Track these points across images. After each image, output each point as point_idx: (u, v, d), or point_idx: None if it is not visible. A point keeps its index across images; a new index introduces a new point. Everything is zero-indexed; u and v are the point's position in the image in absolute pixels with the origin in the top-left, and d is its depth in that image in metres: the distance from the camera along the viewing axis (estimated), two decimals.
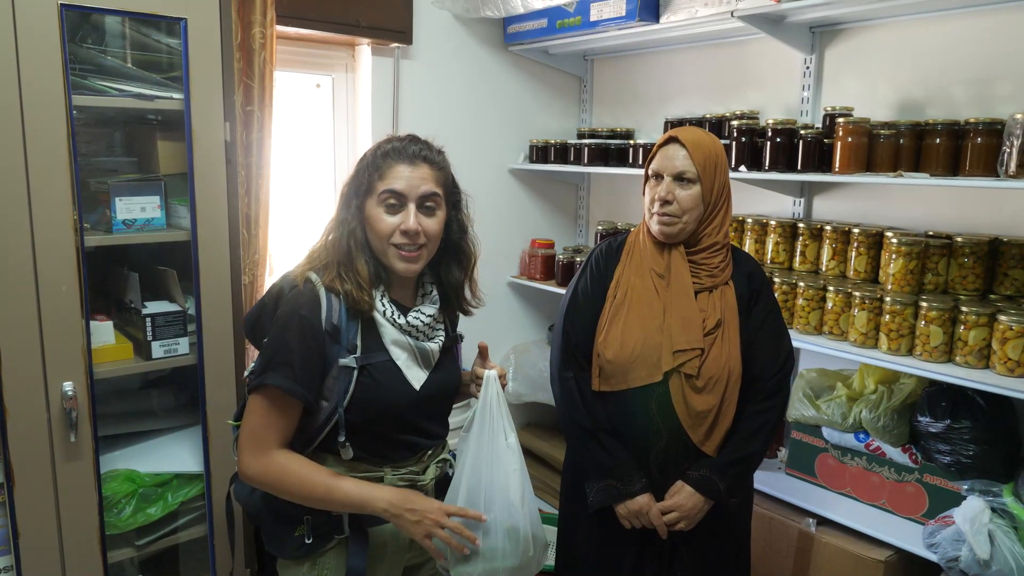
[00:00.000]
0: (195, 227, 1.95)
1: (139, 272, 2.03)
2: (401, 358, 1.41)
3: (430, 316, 1.45)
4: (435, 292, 1.51)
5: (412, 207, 1.35)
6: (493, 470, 1.42)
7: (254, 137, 2.21)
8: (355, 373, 1.35)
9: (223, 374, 2.05)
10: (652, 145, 2.49)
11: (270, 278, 2.35)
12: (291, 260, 2.67)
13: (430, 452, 1.52)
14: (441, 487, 1.51)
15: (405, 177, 1.35)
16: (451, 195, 1.48)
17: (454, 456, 1.53)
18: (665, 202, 1.66)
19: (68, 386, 1.79)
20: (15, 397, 1.74)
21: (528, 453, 3.20)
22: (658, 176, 1.69)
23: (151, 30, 1.99)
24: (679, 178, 1.66)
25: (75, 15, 1.82)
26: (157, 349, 2.00)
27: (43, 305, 1.75)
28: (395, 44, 2.65)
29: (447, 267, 1.53)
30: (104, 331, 1.94)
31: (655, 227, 1.70)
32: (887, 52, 2.31)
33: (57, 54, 1.69)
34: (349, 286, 1.34)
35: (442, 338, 1.50)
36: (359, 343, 1.37)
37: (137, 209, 1.97)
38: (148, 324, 1.97)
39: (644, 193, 1.76)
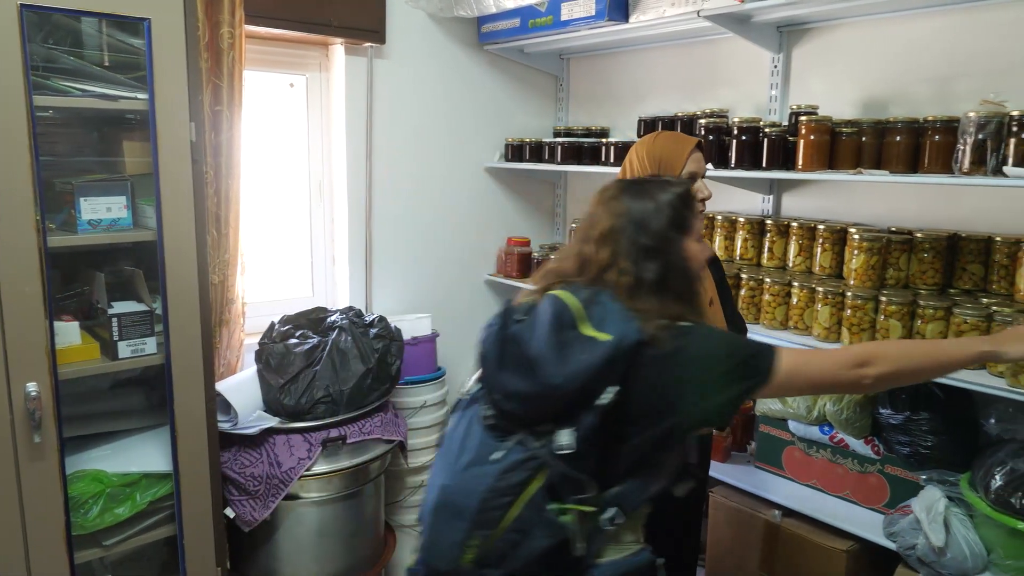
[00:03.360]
0: (161, 227, 1.95)
1: (106, 272, 2.03)
2: None
3: None
4: None
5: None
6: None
7: (223, 137, 2.22)
8: None
9: (191, 374, 2.05)
10: (624, 143, 2.54)
11: (241, 277, 2.36)
12: (265, 258, 2.74)
13: None
14: None
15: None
16: None
17: None
18: (707, 200, 1.85)
19: (32, 387, 1.79)
20: None
21: None
22: (693, 178, 1.83)
23: (115, 30, 1.99)
24: (704, 178, 1.87)
25: (35, 15, 1.81)
26: (124, 349, 1.99)
27: (5, 306, 1.74)
28: (368, 43, 2.66)
29: None
30: (70, 331, 1.93)
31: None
32: (852, 51, 2.34)
33: (17, 54, 1.69)
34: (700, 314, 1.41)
35: None
36: None
37: (103, 209, 1.96)
38: (115, 324, 1.97)
39: None
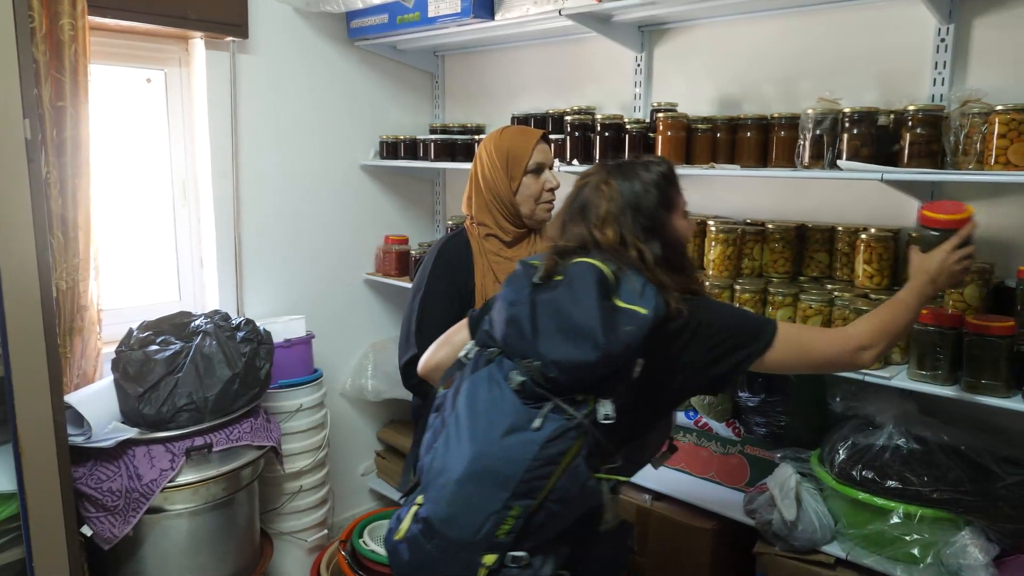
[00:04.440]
0: None
1: None
2: None
3: None
4: None
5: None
6: None
7: (68, 135, 2.09)
8: None
9: (36, 386, 1.92)
10: None
11: (95, 282, 2.23)
12: (125, 262, 2.59)
13: None
14: None
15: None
16: None
17: None
18: (554, 189, 1.91)
19: None
20: None
21: (391, 449, 3.19)
22: (540, 169, 1.89)
23: None
24: (551, 169, 1.93)
25: None
26: None
27: None
28: (230, 38, 2.57)
29: None
30: None
31: (543, 215, 1.91)
32: (708, 51, 2.44)
33: None
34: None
35: None
36: None
37: None
38: None
39: (515, 189, 1.88)
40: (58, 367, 1.98)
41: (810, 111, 1.92)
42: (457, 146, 2.84)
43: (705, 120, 2.18)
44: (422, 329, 1.82)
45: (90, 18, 2.13)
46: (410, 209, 3.30)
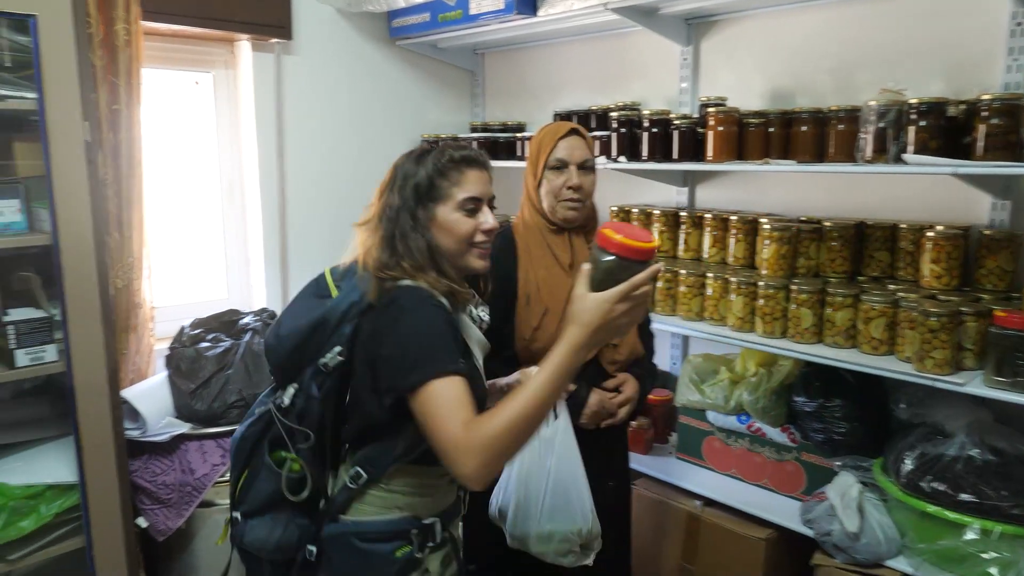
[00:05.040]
0: (56, 230, 1.88)
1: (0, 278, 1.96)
2: (480, 358, 1.42)
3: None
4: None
5: (486, 208, 1.38)
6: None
7: (122, 136, 2.15)
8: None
9: (95, 381, 1.98)
10: None
11: (148, 281, 2.29)
12: (176, 261, 2.66)
13: None
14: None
15: (481, 181, 1.38)
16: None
17: None
18: (576, 188, 1.78)
19: None
20: None
21: None
22: (562, 165, 1.80)
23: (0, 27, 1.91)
24: (582, 166, 1.80)
25: None
26: (22, 357, 1.92)
27: None
28: (275, 39, 2.60)
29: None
30: None
31: (563, 213, 1.82)
32: (758, 43, 2.37)
33: None
34: (456, 286, 1.34)
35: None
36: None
37: None
38: (11, 332, 1.90)
39: (538, 183, 1.84)
40: (116, 363, 2.04)
41: (872, 103, 1.84)
42: (499, 144, 2.83)
43: (757, 114, 2.11)
44: None
45: (142, 23, 2.18)
46: None
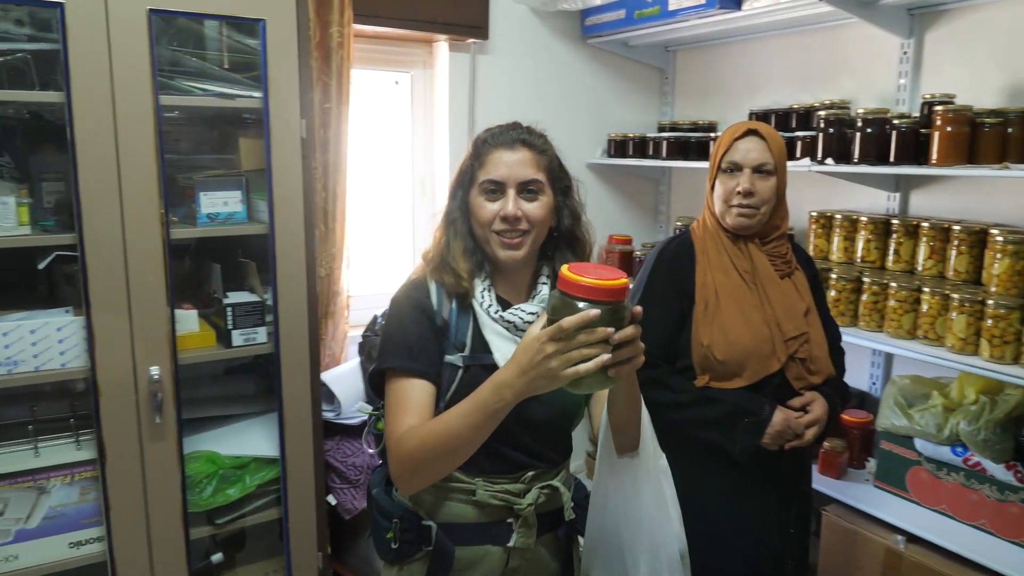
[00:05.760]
0: (272, 220, 2.02)
1: (221, 264, 2.13)
2: (501, 354, 1.28)
3: (532, 314, 1.30)
4: (547, 290, 1.36)
5: (512, 192, 1.29)
6: (640, 497, 1.28)
7: (331, 134, 2.27)
8: (460, 372, 1.29)
9: (298, 363, 2.11)
10: None
11: (347, 271, 2.41)
12: (369, 253, 2.79)
13: (532, 473, 1.34)
14: (548, 521, 1.37)
15: (505, 163, 1.30)
16: (557, 180, 1.37)
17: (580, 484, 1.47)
18: (748, 194, 1.66)
19: (155, 370, 1.89)
20: (107, 380, 1.85)
21: None
22: (735, 168, 1.69)
23: (232, 31, 2.07)
24: (759, 170, 1.68)
25: (162, 19, 1.91)
26: (237, 338, 2.08)
27: (132, 294, 1.85)
28: (471, 40, 2.66)
29: (562, 257, 1.38)
30: (189, 319, 2.03)
31: (733, 220, 1.71)
32: (995, 34, 2.12)
33: (146, 56, 1.79)
34: (448, 276, 1.31)
35: None
36: (468, 341, 1.31)
37: (220, 203, 2.05)
38: (229, 313, 2.06)
39: (712, 186, 1.75)
40: (317, 347, 2.16)
41: None
42: (690, 144, 2.73)
43: (993, 113, 1.89)
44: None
45: (353, 26, 2.29)
46: (633, 209, 3.24)
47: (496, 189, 1.29)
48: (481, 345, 1.30)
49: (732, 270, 1.71)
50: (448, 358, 1.29)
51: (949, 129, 1.92)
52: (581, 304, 1.00)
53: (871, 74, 2.42)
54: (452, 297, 1.31)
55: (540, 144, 1.35)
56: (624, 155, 2.96)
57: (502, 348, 1.29)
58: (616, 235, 3.03)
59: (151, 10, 1.78)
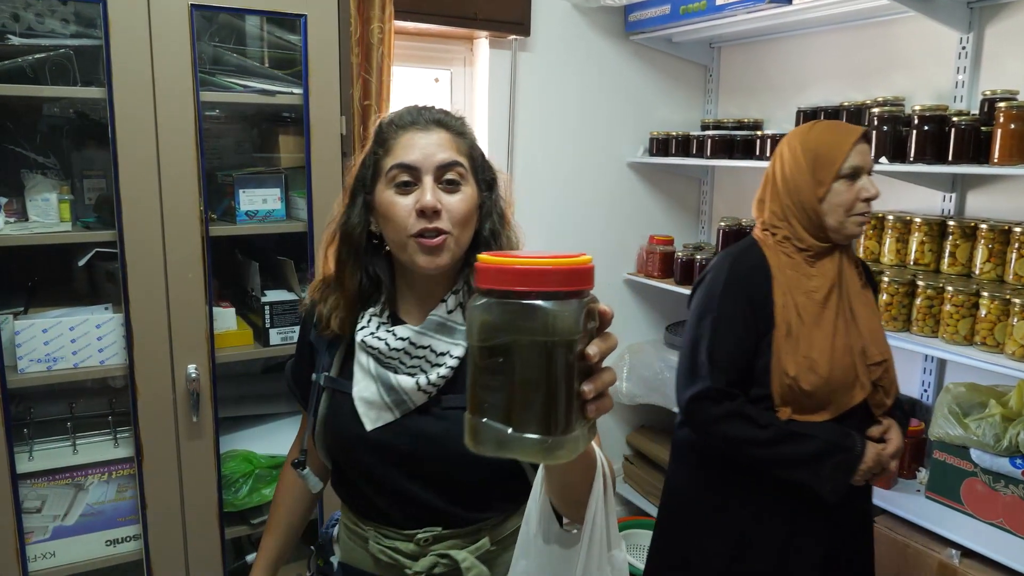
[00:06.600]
0: (311, 218, 2.00)
1: (260, 261, 2.11)
2: (359, 386, 1.07)
3: (402, 340, 1.05)
4: (453, 304, 1.08)
5: (428, 180, 1.02)
6: None
7: (371, 131, 2.24)
8: (323, 394, 1.13)
9: None
10: (781, 135, 2.32)
11: None
12: None
13: (428, 535, 1.07)
14: None
15: (418, 145, 1.03)
16: (481, 171, 1.12)
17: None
18: (874, 199, 1.61)
19: (192, 368, 1.89)
20: (145, 377, 1.85)
21: (640, 456, 3.09)
22: (856, 174, 1.61)
23: (273, 27, 2.06)
24: (870, 174, 1.63)
25: (203, 15, 1.90)
26: (274, 336, 2.07)
27: (171, 291, 1.85)
28: (513, 36, 2.62)
29: None
30: (227, 317, 2.03)
31: (853, 229, 1.62)
32: None
33: (187, 52, 1.78)
34: (325, 306, 1.12)
35: (444, 371, 1.04)
36: (336, 362, 1.13)
37: (259, 201, 2.05)
38: (267, 312, 2.05)
39: (822, 196, 1.60)
40: None
41: None
42: (736, 142, 2.66)
43: None
44: (715, 359, 1.59)
45: (394, 22, 2.27)
46: (674, 209, 3.17)
47: (410, 180, 1.03)
48: (349, 370, 1.11)
49: (814, 289, 1.60)
50: (314, 376, 1.15)
51: (1012, 127, 1.83)
52: (544, 305, 0.62)
53: (926, 70, 2.33)
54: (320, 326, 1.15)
55: (458, 126, 1.09)
56: (666, 154, 2.90)
57: (360, 381, 1.07)
58: (657, 235, 2.96)
59: (193, 5, 1.78)
